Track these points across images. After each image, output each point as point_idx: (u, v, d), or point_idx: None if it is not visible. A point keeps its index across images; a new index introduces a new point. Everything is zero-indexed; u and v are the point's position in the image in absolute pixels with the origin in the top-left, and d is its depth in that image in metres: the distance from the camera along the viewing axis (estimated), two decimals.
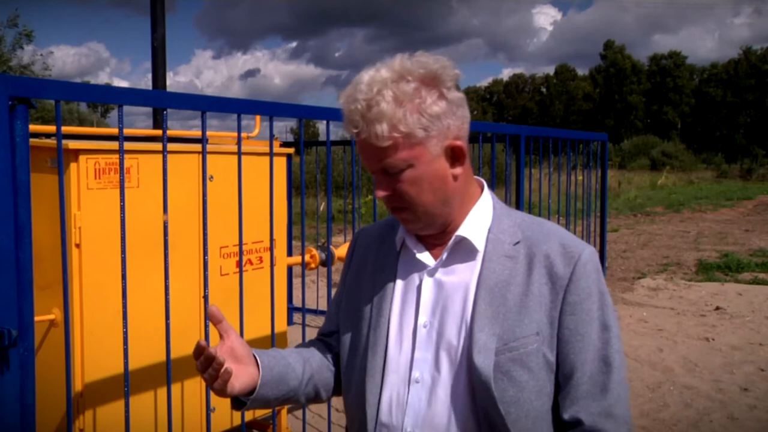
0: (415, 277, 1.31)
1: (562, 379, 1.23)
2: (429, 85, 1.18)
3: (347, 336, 1.37)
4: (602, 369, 1.21)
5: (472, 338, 1.20)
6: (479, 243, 1.27)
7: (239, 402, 1.32)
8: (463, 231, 1.27)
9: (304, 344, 1.52)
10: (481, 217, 1.29)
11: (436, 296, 1.27)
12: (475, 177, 1.34)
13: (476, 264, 1.26)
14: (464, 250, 1.28)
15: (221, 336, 1.24)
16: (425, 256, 1.30)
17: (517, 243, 1.27)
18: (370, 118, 1.15)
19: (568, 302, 1.22)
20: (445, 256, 1.28)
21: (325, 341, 1.49)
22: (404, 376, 1.26)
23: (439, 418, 1.22)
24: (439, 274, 1.28)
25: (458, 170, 1.24)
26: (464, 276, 1.26)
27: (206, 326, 2.38)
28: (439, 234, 1.29)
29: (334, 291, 1.61)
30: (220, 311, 1.23)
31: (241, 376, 1.25)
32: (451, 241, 1.27)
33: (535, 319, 1.21)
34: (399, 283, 1.33)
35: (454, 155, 1.23)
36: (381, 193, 1.23)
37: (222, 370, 1.20)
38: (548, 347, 1.21)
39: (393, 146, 1.17)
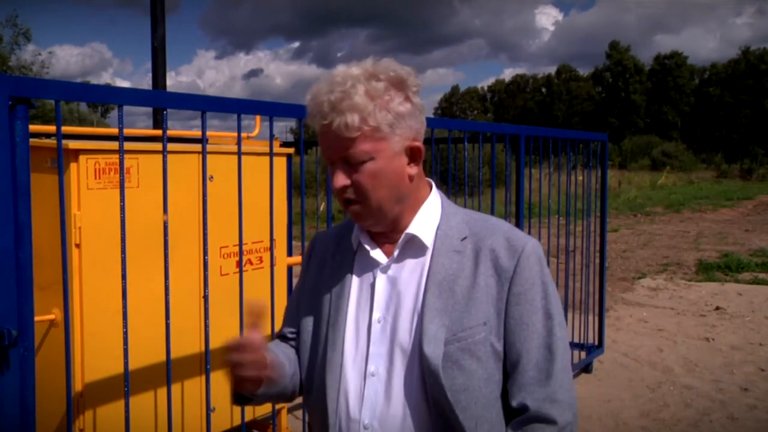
0: (370, 274, 1.36)
1: (509, 367, 1.29)
2: (396, 87, 1.25)
3: (307, 335, 1.42)
4: (546, 356, 1.27)
5: (422, 330, 1.26)
6: (428, 240, 1.33)
7: (243, 397, 1.35)
8: (412, 229, 1.33)
9: (278, 342, 1.54)
10: (430, 216, 1.36)
11: (389, 292, 1.33)
12: (426, 178, 1.40)
13: (426, 260, 1.32)
14: (414, 247, 1.34)
15: (249, 329, 1.26)
16: (378, 254, 1.35)
17: (464, 238, 1.33)
18: (342, 108, 1.21)
19: (513, 293, 1.28)
20: (396, 253, 1.34)
21: (288, 343, 1.52)
22: (360, 371, 1.31)
23: (395, 410, 1.27)
24: (391, 271, 1.34)
25: (414, 170, 1.31)
26: (415, 271, 1.33)
27: (206, 326, 2.38)
28: (390, 232, 1.35)
29: None
30: (261, 309, 1.27)
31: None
32: (401, 239, 1.33)
33: (482, 309, 1.27)
34: (355, 281, 1.38)
35: (412, 155, 1.30)
36: (340, 182, 1.26)
37: (265, 372, 1.24)
38: (495, 337, 1.27)
39: (360, 137, 1.22)
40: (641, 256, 11.13)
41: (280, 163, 3.39)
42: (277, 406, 3.17)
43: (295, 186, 9.86)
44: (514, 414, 1.28)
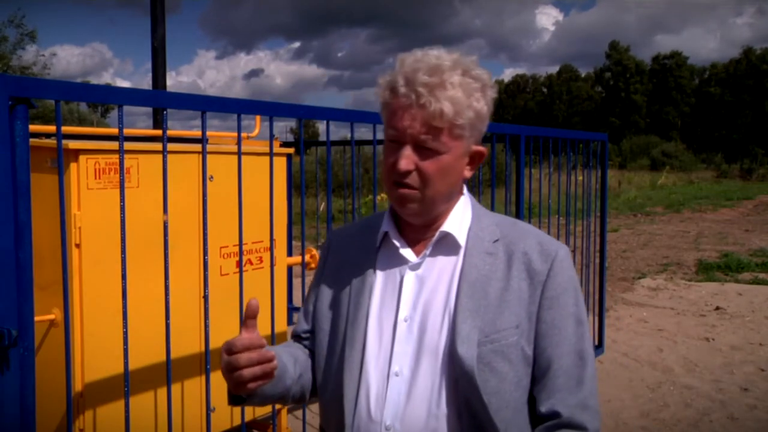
0: (396, 272, 1.33)
1: (539, 372, 1.27)
2: (482, 89, 1.24)
3: (324, 334, 1.38)
4: (577, 362, 1.26)
5: (455, 330, 1.23)
6: (462, 239, 1.31)
7: (237, 397, 1.31)
8: (447, 227, 1.31)
9: (288, 344, 1.51)
10: (462, 216, 1.34)
11: (418, 291, 1.30)
12: None
13: (458, 260, 1.30)
14: (447, 246, 1.32)
15: (247, 329, 1.21)
16: (407, 252, 1.33)
17: (496, 241, 1.31)
18: (440, 96, 1.18)
19: (546, 297, 1.26)
20: (429, 250, 1.31)
21: (302, 342, 1.49)
22: (383, 370, 1.28)
23: (418, 411, 1.24)
24: (421, 269, 1.31)
25: (469, 174, 1.31)
26: (446, 271, 1.30)
27: (206, 326, 2.38)
28: (421, 229, 1.33)
29: None
30: (258, 307, 1.22)
31: None
32: (435, 237, 1.31)
33: (514, 312, 1.25)
34: (379, 278, 1.35)
35: (473, 159, 1.29)
36: (406, 165, 1.22)
37: (269, 368, 1.18)
38: (526, 341, 1.26)
39: (446, 129, 1.20)
40: (641, 256, 11.13)
41: (280, 163, 3.38)
42: (277, 406, 3.17)
43: (295, 186, 9.86)
44: (541, 420, 1.25)
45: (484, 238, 1.31)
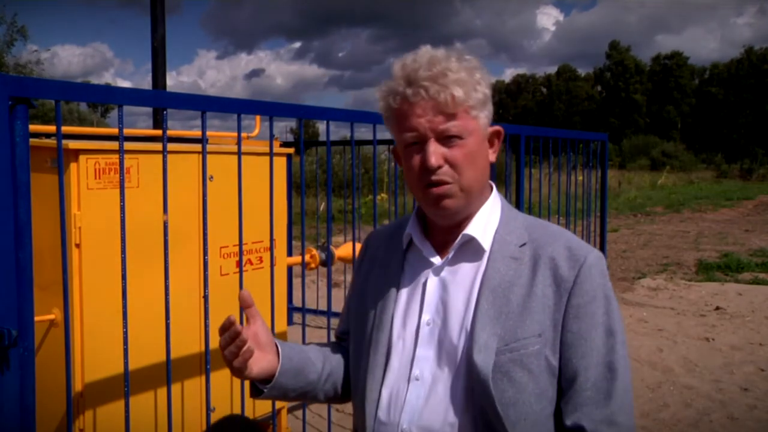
0: (421, 275, 1.31)
1: (565, 384, 1.21)
2: (481, 71, 1.25)
3: (354, 336, 1.38)
4: (606, 375, 1.20)
5: (473, 337, 1.20)
6: (486, 243, 1.27)
7: (257, 389, 1.32)
8: (471, 230, 1.27)
9: (325, 343, 1.53)
10: (489, 218, 1.30)
11: (440, 294, 1.27)
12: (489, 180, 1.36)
13: (482, 264, 1.26)
14: (471, 250, 1.28)
15: (248, 320, 1.25)
16: (431, 254, 1.30)
17: (524, 245, 1.26)
18: (447, 83, 1.18)
19: (572, 305, 1.21)
20: (451, 254, 1.28)
21: (340, 343, 1.50)
22: (405, 374, 1.26)
23: (435, 416, 1.21)
24: (444, 273, 1.28)
25: (493, 157, 1.29)
26: (469, 275, 1.26)
27: (206, 326, 2.38)
28: (447, 231, 1.30)
29: (334, 291, 1.63)
30: (251, 296, 1.25)
31: (261, 361, 1.26)
32: (458, 240, 1.27)
33: (537, 320, 1.20)
34: (404, 281, 1.32)
35: (492, 141, 1.29)
36: (436, 160, 1.20)
37: (245, 348, 1.20)
38: (551, 350, 1.20)
39: (461, 112, 1.20)
40: (641, 256, 11.12)
41: (280, 163, 3.38)
42: (278, 406, 3.17)
43: (295, 186, 9.87)
44: None
45: (510, 241, 1.27)
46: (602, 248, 5.57)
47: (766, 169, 41.06)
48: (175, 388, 2.83)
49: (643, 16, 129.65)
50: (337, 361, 1.43)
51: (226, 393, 3.06)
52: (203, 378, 2.94)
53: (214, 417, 2.51)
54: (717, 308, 7.31)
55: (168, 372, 2.28)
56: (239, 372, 1.23)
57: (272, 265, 2.74)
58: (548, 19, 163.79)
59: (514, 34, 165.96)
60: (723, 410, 4.54)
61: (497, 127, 1.29)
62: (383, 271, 1.37)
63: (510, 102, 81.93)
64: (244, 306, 1.25)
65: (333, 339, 1.56)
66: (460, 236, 1.27)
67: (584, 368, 1.19)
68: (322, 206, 10.53)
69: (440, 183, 1.22)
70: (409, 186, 1.29)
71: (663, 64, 70.82)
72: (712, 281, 8.94)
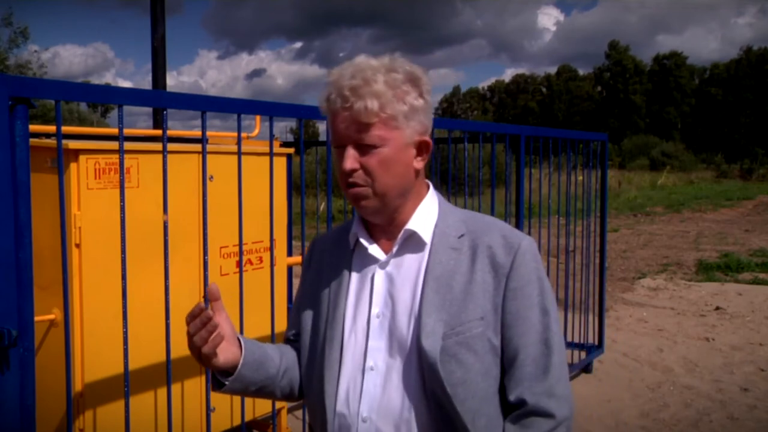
0: (368, 270, 1.39)
1: (507, 362, 1.31)
2: (412, 82, 1.31)
3: (306, 336, 1.44)
4: (543, 351, 1.30)
5: (420, 324, 1.28)
6: (427, 236, 1.36)
7: (219, 383, 1.37)
8: (412, 225, 1.36)
9: (279, 344, 1.57)
10: (428, 213, 1.39)
11: (387, 287, 1.35)
12: (425, 179, 1.44)
13: (424, 256, 1.35)
14: (413, 243, 1.36)
15: (214, 313, 1.29)
16: (376, 250, 1.38)
17: (462, 236, 1.36)
18: (363, 93, 1.25)
19: (510, 288, 1.30)
20: (395, 249, 1.36)
21: (292, 345, 1.54)
22: (359, 365, 1.33)
23: (394, 403, 1.29)
24: (389, 267, 1.36)
25: (420, 164, 1.35)
26: (413, 267, 1.35)
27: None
28: (388, 228, 1.38)
29: None
30: (218, 290, 1.30)
31: (226, 351, 1.31)
32: (401, 235, 1.36)
33: (479, 305, 1.29)
34: (354, 278, 1.41)
35: (420, 149, 1.34)
36: (349, 164, 1.28)
37: (215, 333, 1.25)
38: (493, 332, 1.30)
39: (376, 123, 1.27)
40: (641, 256, 11.13)
41: (280, 163, 3.39)
42: (277, 406, 3.17)
43: (295, 186, 9.85)
44: (512, 408, 1.30)
45: (449, 234, 1.36)
46: (602, 248, 5.58)
47: (766, 169, 41.06)
48: (175, 388, 2.83)
49: (643, 16, 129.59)
50: (292, 358, 1.50)
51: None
52: (203, 378, 2.95)
53: (214, 417, 2.51)
54: (717, 308, 7.32)
55: (168, 372, 2.28)
56: (207, 359, 1.28)
57: (272, 265, 2.74)
58: (549, 19, 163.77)
59: (514, 34, 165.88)
60: (723, 410, 4.54)
61: (426, 138, 1.35)
62: (332, 270, 1.44)
63: (510, 102, 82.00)
64: (212, 299, 1.30)
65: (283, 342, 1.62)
66: (403, 231, 1.35)
67: (524, 346, 1.29)
68: (322, 206, 10.54)
69: (355, 185, 1.32)
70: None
71: (663, 64, 70.85)
72: (712, 281, 8.94)
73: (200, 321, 1.24)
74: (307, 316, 1.45)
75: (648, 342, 6.12)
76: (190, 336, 1.26)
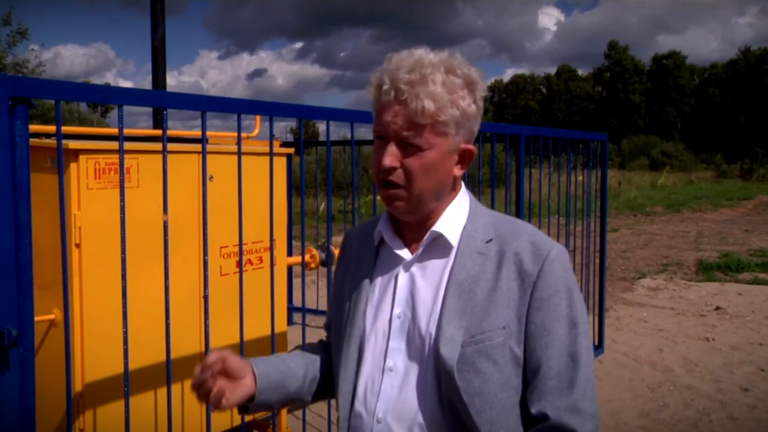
0: (393, 270, 1.36)
1: (530, 374, 1.26)
2: (469, 87, 1.25)
3: (334, 331, 1.44)
4: (569, 365, 1.24)
5: (439, 330, 1.25)
6: (453, 239, 1.31)
7: (242, 406, 1.38)
8: (439, 227, 1.31)
9: (314, 344, 1.58)
10: (457, 215, 1.34)
11: (410, 289, 1.32)
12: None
13: (449, 259, 1.31)
14: (439, 246, 1.32)
15: (215, 371, 1.30)
16: (402, 251, 1.35)
17: (490, 241, 1.31)
18: (419, 92, 1.19)
19: (535, 298, 1.25)
20: (420, 250, 1.33)
21: (328, 336, 1.55)
22: (379, 365, 1.31)
23: (409, 406, 1.27)
24: (414, 268, 1.33)
25: (460, 172, 1.31)
26: (437, 270, 1.31)
27: (206, 326, 2.38)
28: (416, 228, 1.34)
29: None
30: (218, 358, 1.30)
31: (236, 391, 1.32)
32: (426, 237, 1.32)
33: (502, 313, 1.25)
34: (377, 276, 1.38)
35: (463, 157, 1.29)
36: (389, 161, 1.24)
37: (213, 392, 1.27)
38: (515, 342, 1.25)
39: (428, 126, 1.22)
40: (641, 256, 11.13)
41: (280, 163, 3.39)
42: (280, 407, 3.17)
43: (295, 186, 9.87)
44: (534, 422, 1.24)
45: (477, 237, 1.31)
46: (602, 248, 5.57)
47: (766, 169, 41.05)
48: (175, 388, 2.82)
49: (644, 16, 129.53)
50: (321, 362, 1.48)
51: None
52: None
53: (214, 417, 2.51)
54: (717, 308, 7.32)
55: (168, 372, 2.28)
56: (216, 408, 1.30)
57: (272, 265, 2.74)
58: (550, 19, 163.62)
59: (515, 34, 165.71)
60: (723, 410, 4.54)
61: (470, 147, 1.30)
62: (357, 268, 1.42)
63: (510, 102, 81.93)
64: (213, 368, 1.30)
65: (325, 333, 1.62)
66: (429, 233, 1.31)
67: (547, 358, 1.24)
68: (322, 206, 10.53)
69: (391, 184, 1.27)
70: (372, 175, 1.35)
71: (662, 64, 70.79)
72: (712, 281, 8.94)
73: (197, 383, 1.27)
74: (335, 313, 1.44)
75: (648, 342, 6.12)
76: (197, 396, 1.30)
